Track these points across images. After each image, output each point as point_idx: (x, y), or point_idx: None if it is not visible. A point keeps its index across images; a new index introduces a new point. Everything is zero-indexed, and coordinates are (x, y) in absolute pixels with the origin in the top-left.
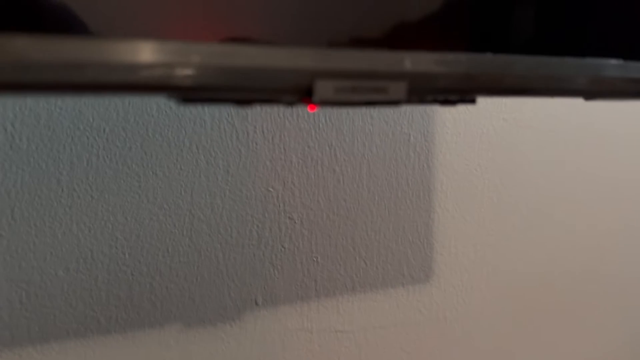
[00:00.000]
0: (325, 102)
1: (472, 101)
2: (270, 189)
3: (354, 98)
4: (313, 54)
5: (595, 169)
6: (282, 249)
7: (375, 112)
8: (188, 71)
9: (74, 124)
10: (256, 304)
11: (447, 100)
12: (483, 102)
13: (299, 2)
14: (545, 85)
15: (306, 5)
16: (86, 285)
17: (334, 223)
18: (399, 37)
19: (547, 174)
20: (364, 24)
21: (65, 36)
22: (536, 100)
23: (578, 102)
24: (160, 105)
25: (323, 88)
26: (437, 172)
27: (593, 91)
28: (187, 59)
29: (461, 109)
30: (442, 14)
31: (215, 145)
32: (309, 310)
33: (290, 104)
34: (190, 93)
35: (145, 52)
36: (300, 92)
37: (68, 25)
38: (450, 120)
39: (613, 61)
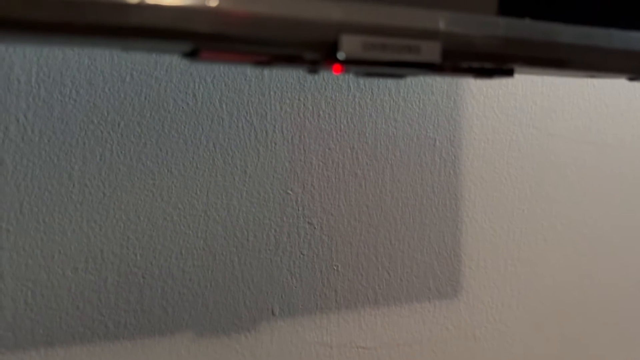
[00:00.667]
0: (351, 61)
1: (510, 73)
2: (289, 192)
3: (383, 56)
4: (340, 6)
5: (634, 179)
6: (301, 256)
7: (399, 114)
8: (203, 15)
9: (88, 117)
10: (273, 314)
11: (483, 70)
12: (512, 109)
13: None
14: (588, 58)
15: None
16: (95, 287)
17: (355, 230)
18: None
19: (582, 185)
20: None
21: None
22: (568, 108)
23: (613, 110)
24: (177, 100)
25: (350, 43)
26: (465, 180)
27: (638, 69)
28: (205, 2)
29: (489, 115)
30: None
31: (232, 144)
32: (329, 323)
33: (314, 65)
34: (203, 42)
35: None
36: (324, 47)
37: None
38: (478, 126)
39: None
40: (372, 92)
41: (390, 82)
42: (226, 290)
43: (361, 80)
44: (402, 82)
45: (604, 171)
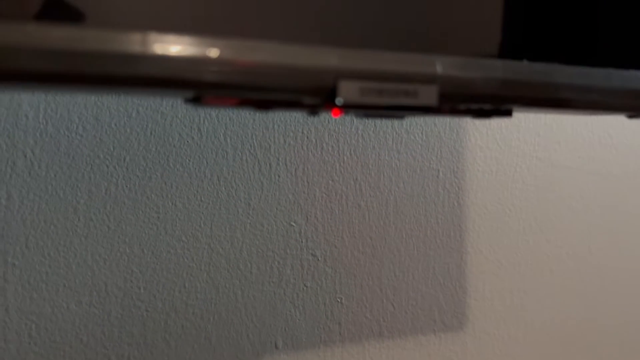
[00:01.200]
0: (350, 105)
1: (508, 113)
2: (293, 224)
3: (381, 101)
4: (338, 53)
5: (638, 211)
6: (304, 288)
7: (402, 146)
8: (207, 65)
9: (94, 152)
10: (276, 347)
11: (482, 111)
12: (515, 140)
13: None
14: (586, 98)
15: (333, 5)
16: (98, 320)
17: (359, 261)
18: (430, 41)
19: (587, 215)
20: (394, 26)
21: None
22: (572, 139)
23: (617, 141)
24: (182, 135)
25: (348, 89)
26: (469, 211)
27: (637, 106)
28: (207, 53)
29: (492, 146)
30: (475, 20)
31: (236, 177)
32: (333, 356)
33: (314, 109)
34: (206, 90)
35: (164, 45)
36: (323, 92)
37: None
38: (481, 158)
39: None
40: (374, 125)
41: None
42: (229, 323)
43: None
44: None
45: (609, 202)
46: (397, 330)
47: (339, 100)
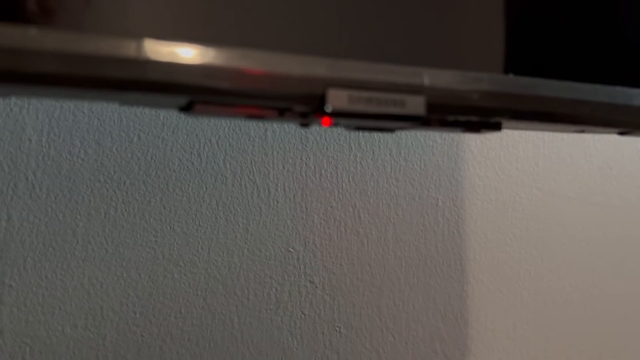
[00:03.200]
0: (339, 113)
1: (497, 127)
2: (291, 250)
3: (369, 109)
4: (327, 63)
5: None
6: (302, 316)
7: (401, 174)
8: (196, 70)
9: (95, 176)
10: None
11: (471, 124)
12: (514, 170)
13: (315, 11)
14: (575, 111)
15: (321, 16)
16: (93, 344)
17: (358, 290)
18: (418, 54)
19: (589, 246)
20: (382, 38)
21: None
22: (571, 169)
23: (617, 172)
24: (182, 160)
25: (336, 97)
26: (469, 240)
27: (627, 123)
28: (196, 60)
29: (491, 175)
30: (463, 34)
31: (235, 202)
32: None
33: (304, 118)
34: (197, 95)
35: (158, 50)
36: (313, 100)
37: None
38: (480, 187)
39: None
40: (373, 152)
41: (391, 143)
42: (225, 350)
43: (362, 141)
44: (402, 142)
45: (610, 232)
46: None
47: (327, 107)
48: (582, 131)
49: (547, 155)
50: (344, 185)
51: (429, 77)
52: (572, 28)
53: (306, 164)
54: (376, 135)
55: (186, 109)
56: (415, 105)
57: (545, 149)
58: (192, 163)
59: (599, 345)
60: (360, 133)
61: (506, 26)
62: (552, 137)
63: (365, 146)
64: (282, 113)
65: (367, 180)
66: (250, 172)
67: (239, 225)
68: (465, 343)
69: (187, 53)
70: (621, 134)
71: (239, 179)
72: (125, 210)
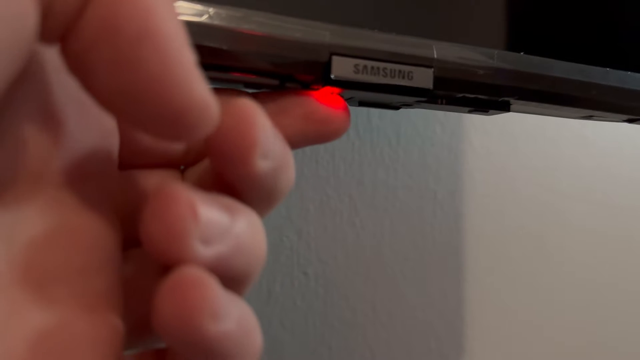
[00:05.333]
0: (343, 82)
1: (506, 106)
2: (284, 239)
3: (375, 79)
4: (332, 29)
5: None
6: (294, 307)
7: (399, 164)
8: (194, 30)
9: None
10: None
11: (478, 101)
12: (514, 165)
13: None
14: (584, 93)
15: None
16: None
17: (352, 283)
18: (427, 26)
19: (589, 245)
20: (392, 8)
21: None
22: (572, 168)
23: (619, 170)
24: None
25: (341, 65)
26: (467, 235)
27: (637, 109)
28: (194, 19)
29: (491, 170)
30: (475, 10)
31: None
32: None
33: (307, 87)
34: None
35: None
36: (316, 68)
37: None
38: (480, 181)
39: None
40: (371, 142)
41: (390, 132)
42: None
43: (360, 129)
44: (401, 132)
45: (611, 230)
46: (390, 358)
47: (332, 77)
48: (591, 116)
49: (548, 152)
50: (340, 174)
51: (438, 50)
52: (586, 10)
53: (302, 151)
54: (375, 124)
55: None
56: (424, 78)
57: (546, 145)
58: None
59: (599, 345)
60: (358, 120)
61: (520, 4)
62: (553, 133)
63: (364, 135)
64: (283, 83)
65: (364, 170)
66: None
67: None
68: (460, 341)
69: (186, 11)
70: (629, 121)
71: None
72: None
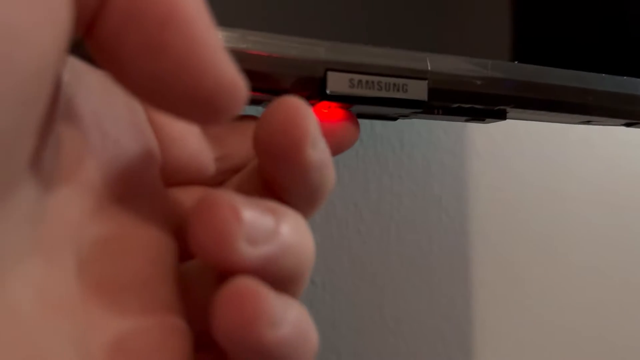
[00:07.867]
0: (339, 97)
1: (502, 115)
2: None
3: (370, 93)
4: (327, 45)
5: None
6: None
7: (404, 171)
8: None
9: None
10: None
11: (474, 111)
12: (519, 169)
13: None
14: (581, 100)
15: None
16: None
17: (359, 289)
18: (420, 39)
19: (597, 248)
20: (384, 22)
21: None
22: (578, 170)
23: (624, 172)
24: None
25: (336, 80)
26: (473, 240)
27: (634, 113)
28: None
29: (496, 174)
30: (468, 20)
31: None
32: None
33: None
34: None
35: None
36: (312, 84)
37: None
38: (485, 186)
39: None
40: (375, 149)
41: (394, 139)
42: None
43: (363, 136)
44: (405, 138)
45: (618, 233)
46: None
47: (327, 92)
48: (589, 122)
49: (554, 154)
50: (345, 181)
51: (432, 62)
52: (578, 16)
53: None
54: (378, 131)
55: None
56: (418, 90)
57: (551, 148)
58: None
59: (610, 347)
60: (362, 128)
61: (512, 13)
62: (558, 135)
63: (367, 142)
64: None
65: (369, 177)
66: None
67: None
68: (469, 346)
69: None
70: (628, 125)
71: None
72: None
